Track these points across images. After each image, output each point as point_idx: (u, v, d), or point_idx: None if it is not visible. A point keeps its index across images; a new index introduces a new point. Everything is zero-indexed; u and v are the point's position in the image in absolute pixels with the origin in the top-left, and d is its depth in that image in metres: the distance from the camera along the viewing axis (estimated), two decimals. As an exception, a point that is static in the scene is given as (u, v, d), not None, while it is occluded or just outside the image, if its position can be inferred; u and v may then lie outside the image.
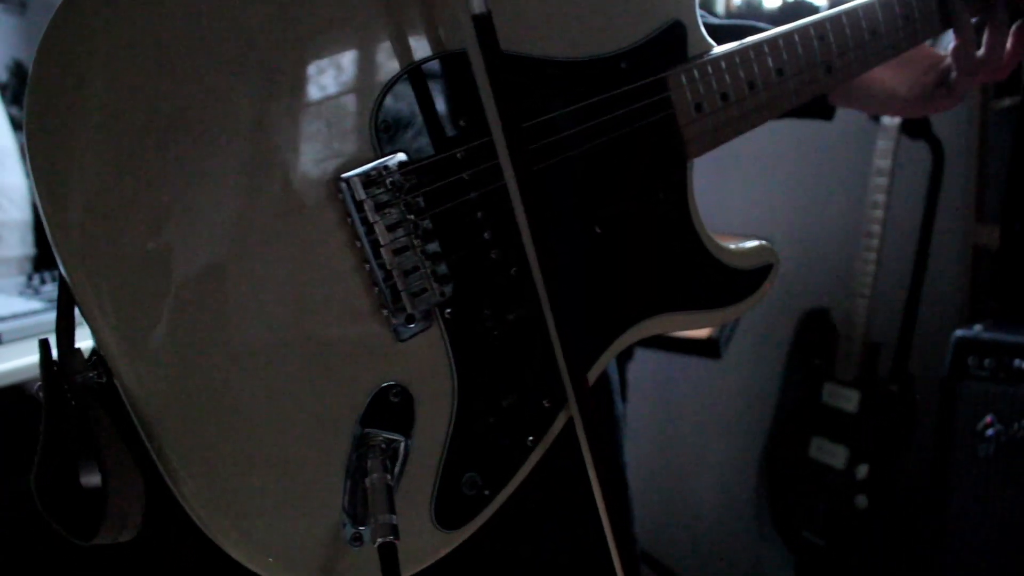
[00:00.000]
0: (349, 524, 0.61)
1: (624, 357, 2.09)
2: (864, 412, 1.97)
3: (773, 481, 2.15)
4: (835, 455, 2.00)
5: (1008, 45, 0.91)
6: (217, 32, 0.56)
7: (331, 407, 0.60)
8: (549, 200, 0.69)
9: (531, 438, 0.69)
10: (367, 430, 0.61)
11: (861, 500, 1.93)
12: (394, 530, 0.58)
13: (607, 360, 0.74)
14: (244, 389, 0.57)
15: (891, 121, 1.96)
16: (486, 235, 0.66)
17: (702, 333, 1.92)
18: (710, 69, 0.77)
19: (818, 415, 2.03)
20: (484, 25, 0.58)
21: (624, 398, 2.06)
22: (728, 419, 2.35)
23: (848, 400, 2.00)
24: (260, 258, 0.58)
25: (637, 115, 0.73)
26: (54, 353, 0.55)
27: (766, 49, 0.81)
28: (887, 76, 0.98)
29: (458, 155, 0.64)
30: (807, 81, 0.84)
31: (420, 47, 0.63)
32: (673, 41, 0.76)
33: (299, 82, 0.59)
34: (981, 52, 0.93)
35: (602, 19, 0.72)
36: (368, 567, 0.61)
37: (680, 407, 2.41)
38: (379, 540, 0.58)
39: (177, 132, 0.55)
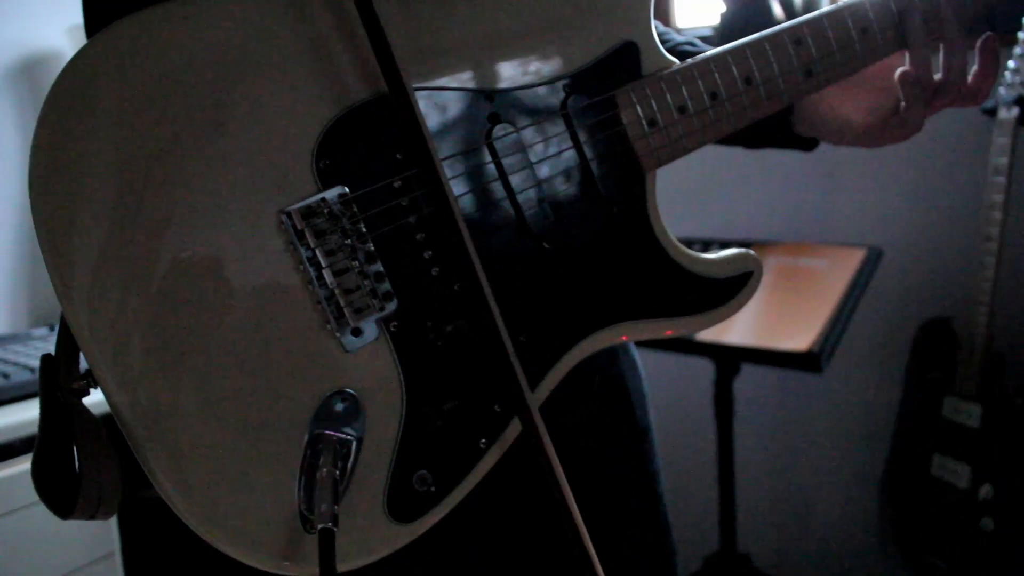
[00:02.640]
0: (304, 514, 0.69)
1: (730, 372, 2.07)
2: (987, 428, 1.84)
3: (894, 500, 2.04)
4: (957, 474, 1.87)
5: (976, 66, 0.86)
6: (177, 92, 0.67)
7: (286, 411, 0.69)
8: (490, 220, 0.75)
9: (484, 440, 0.74)
10: (319, 431, 0.69)
11: (987, 522, 1.80)
12: (334, 519, 0.66)
13: (566, 367, 0.78)
14: (207, 397, 0.66)
15: (1008, 115, 1.84)
16: (426, 255, 0.72)
17: (801, 346, 1.87)
18: (664, 85, 0.80)
19: (939, 431, 1.92)
20: (393, 72, 0.65)
21: (731, 412, 2.04)
22: (848, 434, 2.25)
23: (970, 415, 1.88)
24: (221, 281, 0.67)
25: (582, 134, 0.78)
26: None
27: (730, 59, 0.83)
28: (843, 103, 0.93)
29: (395, 184, 0.71)
30: (785, 87, 0.85)
31: (355, 89, 0.70)
32: (624, 61, 0.80)
33: (245, 127, 0.68)
34: (939, 75, 0.88)
35: (547, 48, 0.78)
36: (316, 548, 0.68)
37: (797, 422, 2.34)
38: (319, 526, 0.66)
39: (149, 180, 0.66)
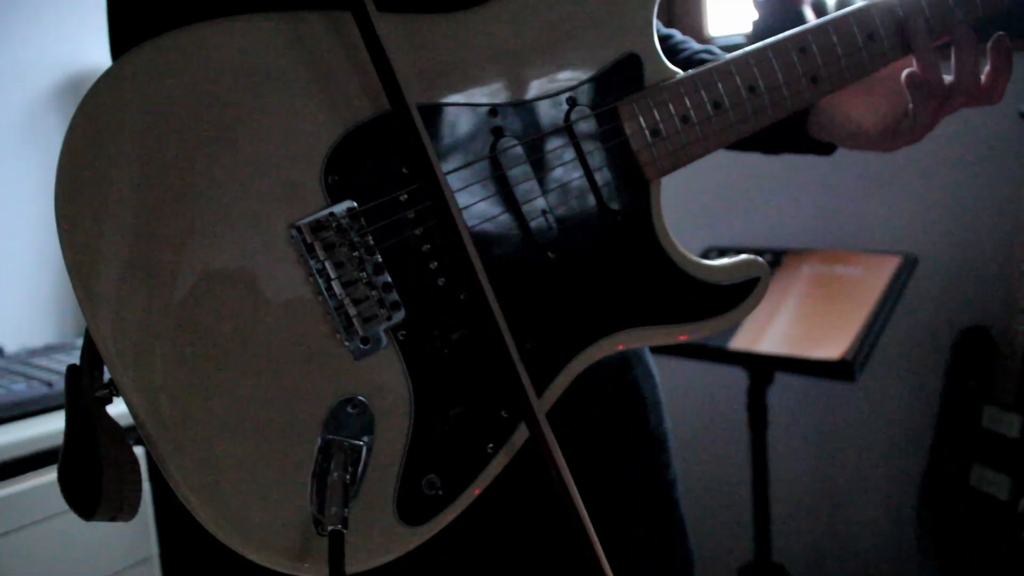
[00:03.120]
0: (317, 517, 0.71)
1: (764, 381, 2.06)
2: (1027, 437, 1.80)
3: (932, 511, 2.00)
4: (997, 485, 1.84)
5: (988, 66, 0.86)
6: (192, 113, 0.70)
7: (298, 418, 0.71)
8: (496, 231, 0.77)
9: (491, 446, 0.76)
10: (331, 437, 0.72)
11: (1028, 534, 1.76)
12: (344, 521, 0.69)
13: (572, 373, 0.79)
14: (222, 404, 0.70)
15: (1044, 118, 1.81)
16: (432, 265, 0.75)
17: (834, 355, 1.85)
18: (666, 95, 0.82)
19: (978, 441, 1.88)
20: (395, 90, 0.68)
21: (765, 422, 2.03)
22: (885, 444, 2.22)
23: (1010, 425, 1.84)
24: (239, 291, 0.70)
25: (583, 145, 0.80)
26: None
27: (733, 68, 0.84)
28: (855, 106, 0.94)
29: (401, 197, 0.74)
30: (789, 94, 0.86)
31: (361, 107, 0.73)
32: (627, 73, 0.82)
33: (257, 144, 0.71)
34: (951, 77, 0.88)
35: (550, 61, 0.80)
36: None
37: (833, 431, 2.31)
38: (329, 528, 0.68)
39: (166, 197, 0.69)
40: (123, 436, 0.69)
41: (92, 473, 0.67)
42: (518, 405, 0.74)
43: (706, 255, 2.30)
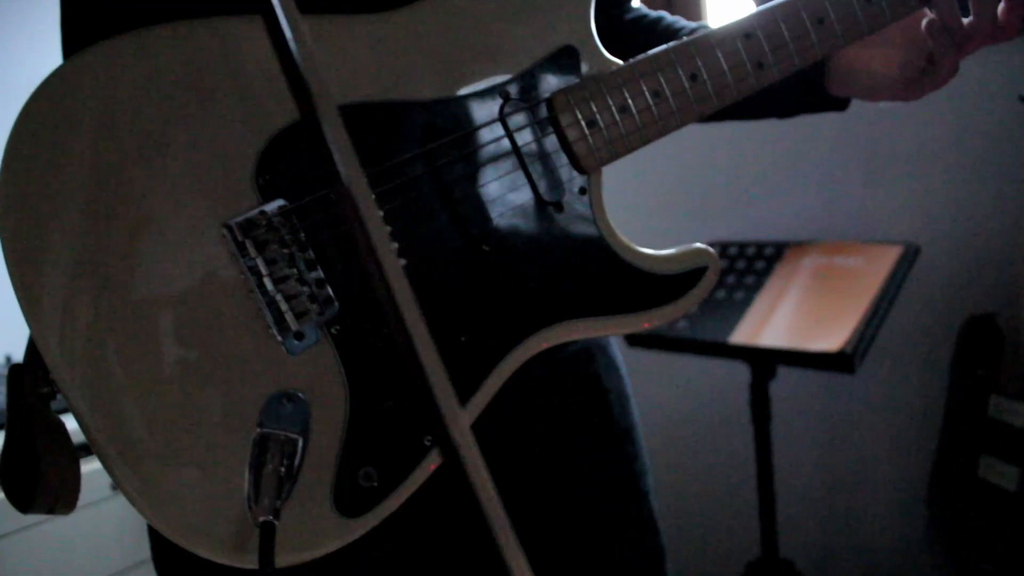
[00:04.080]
0: (252, 508, 0.72)
1: (766, 375, 2.04)
2: (1035, 427, 1.76)
3: (941, 503, 1.96)
4: (1006, 476, 1.80)
5: (1002, 3, 0.86)
6: (129, 118, 0.72)
7: (234, 412, 0.73)
8: (428, 226, 0.77)
9: (428, 439, 0.76)
10: (266, 430, 0.73)
11: (1037, 526, 1.72)
12: (275, 512, 0.70)
13: (513, 365, 0.80)
14: (159, 399, 0.71)
15: (1048, 101, 1.77)
16: (363, 260, 0.75)
17: (832, 347, 1.83)
18: (603, 85, 0.82)
19: (985, 432, 1.84)
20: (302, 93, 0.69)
21: (768, 416, 2.01)
22: (892, 436, 2.19)
23: (1017, 415, 1.80)
24: (177, 291, 0.72)
25: (517, 138, 0.80)
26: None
27: (673, 57, 0.84)
28: (871, 59, 0.95)
29: (332, 195, 0.75)
30: (734, 80, 0.85)
31: (290, 109, 0.74)
32: (563, 65, 0.82)
33: (190, 147, 0.73)
34: (970, 19, 0.88)
35: (483, 55, 0.80)
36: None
37: (839, 424, 2.28)
38: (260, 519, 0.69)
39: (101, 200, 0.71)
40: (63, 433, 0.71)
41: (29, 468, 0.68)
42: (429, 402, 0.74)
43: (709, 250, 2.29)
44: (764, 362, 2.00)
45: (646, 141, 0.84)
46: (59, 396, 0.72)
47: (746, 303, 2.07)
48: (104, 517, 1.45)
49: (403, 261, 0.76)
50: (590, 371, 1.03)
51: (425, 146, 0.78)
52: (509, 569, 0.74)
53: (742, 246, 2.24)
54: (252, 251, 0.73)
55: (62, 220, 0.70)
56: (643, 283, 0.83)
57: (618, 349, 1.11)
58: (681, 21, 1.04)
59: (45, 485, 0.68)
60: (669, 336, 2.11)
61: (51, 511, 0.69)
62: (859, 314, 1.86)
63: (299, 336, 0.74)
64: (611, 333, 0.84)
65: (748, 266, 2.17)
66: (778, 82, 0.96)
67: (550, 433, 0.99)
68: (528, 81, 0.81)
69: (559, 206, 0.82)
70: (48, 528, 1.45)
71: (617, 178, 2.64)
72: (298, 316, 0.74)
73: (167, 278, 0.72)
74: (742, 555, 2.15)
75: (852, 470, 2.28)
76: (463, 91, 0.80)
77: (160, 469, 0.71)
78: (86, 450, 0.72)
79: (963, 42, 0.89)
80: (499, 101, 0.80)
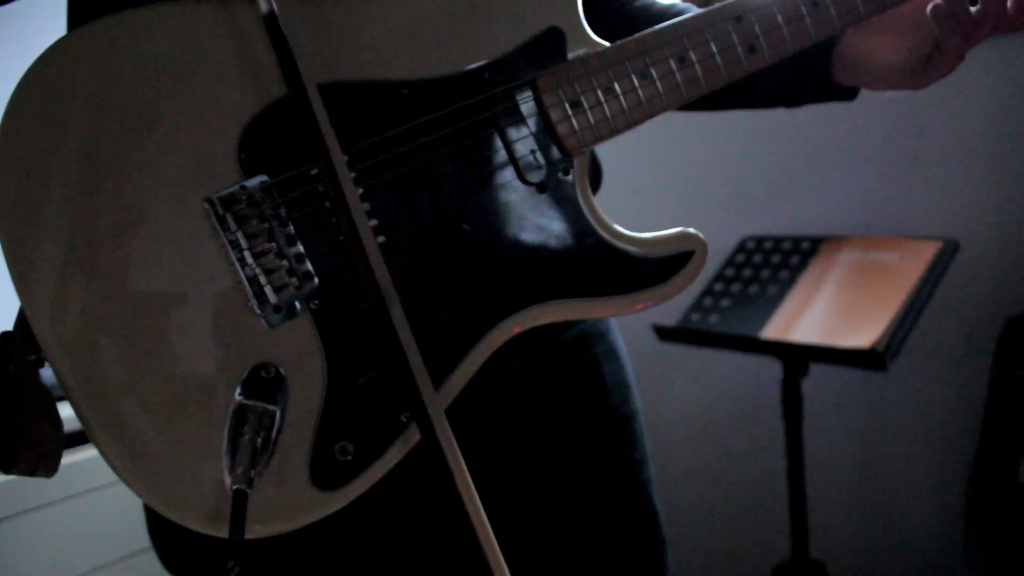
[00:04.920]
0: (228, 478, 0.74)
1: (798, 372, 2.00)
2: (1076, 429, 1.69)
3: (980, 507, 1.90)
4: (1045, 480, 1.73)
5: None
6: (117, 97, 0.74)
7: (214, 383, 0.75)
8: (408, 204, 0.78)
9: (405, 415, 0.77)
10: (245, 401, 0.75)
11: (1076, 532, 1.65)
12: (248, 482, 0.72)
13: (492, 345, 0.80)
14: (141, 369, 0.73)
15: (1095, 93, 1.70)
16: (342, 237, 0.77)
17: (864, 343, 1.79)
18: (588, 67, 0.82)
19: (1025, 434, 1.78)
20: (289, 64, 0.70)
21: (800, 414, 1.97)
22: (930, 437, 2.12)
23: (1058, 416, 1.73)
24: (161, 263, 0.74)
25: (501, 117, 0.80)
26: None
27: (660, 39, 0.83)
28: (878, 47, 0.93)
29: (312, 171, 0.76)
30: (724, 63, 0.84)
31: (272, 86, 0.76)
32: (548, 46, 0.82)
33: (174, 124, 0.75)
34: (977, 7, 0.86)
35: (468, 36, 0.81)
36: (249, 511, 0.74)
37: (875, 424, 2.22)
38: (233, 487, 0.71)
39: (91, 175, 0.74)
40: (50, 399, 0.74)
41: (11, 430, 0.71)
42: (408, 391, 0.74)
43: (743, 245, 2.25)
44: (795, 358, 1.96)
45: (632, 124, 0.83)
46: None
47: (779, 298, 2.04)
48: (112, 503, 1.50)
49: (382, 238, 0.77)
50: (588, 357, 1.03)
51: (407, 125, 0.78)
52: (481, 547, 0.76)
53: (777, 240, 2.20)
54: (233, 225, 0.75)
55: (53, 193, 0.73)
56: (628, 265, 0.83)
57: (620, 337, 1.11)
58: (680, 5, 1.03)
59: (27, 447, 0.71)
60: (700, 330, 2.09)
61: (33, 472, 0.72)
62: (893, 310, 1.81)
63: (278, 309, 0.76)
64: (597, 315, 0.84)
65: (783, 261, 2.14)
66: (783, 70, 0.95)
67: (546, 416, 0.99)
68: (513, 62, 0.81)
69: (542, 187, 0.82)
70: (56, 512, 1.50)
71: (654, 171, 2.63)
72: (277, 290, 0.75)
73: (152, 251, 0.74)
74: (772, 556, 2.11)
75: (887, 472, 2.22)
76: (447, 71, 0.80)
77: (141, 438, 0.73)
78: (83, 438, 0.75)
79: (970, 30, 0.86)
80: (483, 81, 0.80)
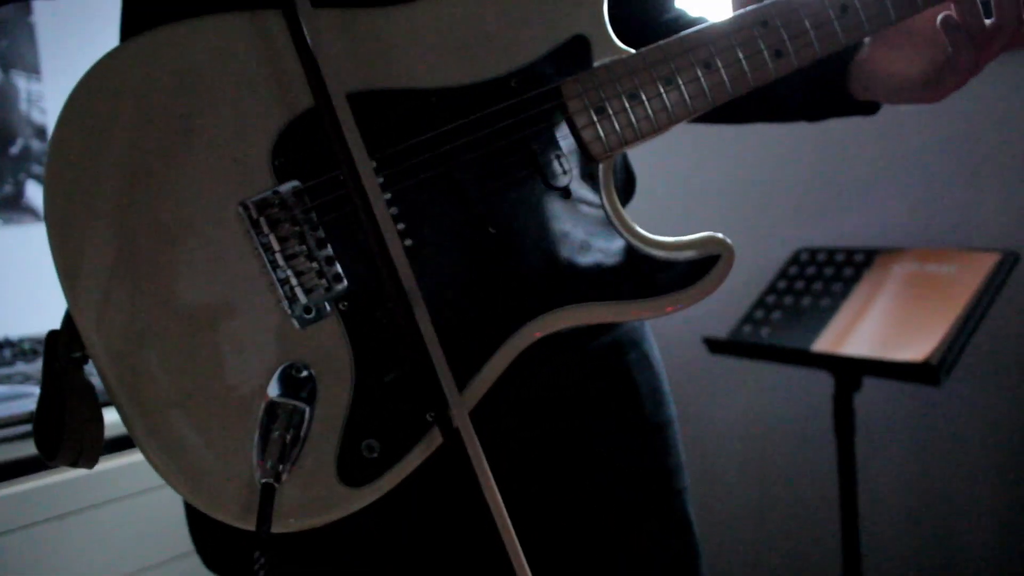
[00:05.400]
0: (257, 472, 0.77)
1: (850, 386, 1.96)
2: None
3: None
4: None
5: None
6: (160, 107, 0.78)
7: (247, 381, 0.77)
8: (434, 209, 0.80)
9: (431, 415, 0.79)
10: (276, 399, 0.78)
11: None
12: (277, 476, 0.74)
13: (516, 348, 0.81)
14: (178, 367, 0.77)
15: None
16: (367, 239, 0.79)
17: (917, 357, 1.75)
18: (613, 73, 0.83)
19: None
20: (314, 71, 0.73)
21: (852, 430, 1.93)
22: (995, 457, 2.05)
23: (1125, 434, 1.66)
24: (193, 263, 0.78)
25: (527, 123, 0.82)
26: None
27: (686, 45, 0.84)
28: (895, 60, 0.93)
29: (340, 177, 0.79)
30: (750, 68, 0.85)
31: (306, 94, 0.79)
32: (574, 54, 0.83)
33: (212, 132, 0.78)
34: (992, 19, 0.85)
35: (494, 45, 0.83)
36: (277, 505, 0.76)
37: (935, 441, 2.16)
38: (261, 481, 0.74)
39: (136, 182, 0.78)
40: (92, 394, 0.78)
41: (56, 423, 0.75)
42: (433, 391, 0.75)
43: (796, 257, 2.22)
44: (847, 372, 1.93)
45: (658, 129, 0.84)
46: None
47: (831, 311, 2.01)
48: (156, 506, 1.55)
49: (409, 241, 0.79)
50: (620, 364, 1.04)
51: (434, 131, 0.81)
52: (505, 550, 0.77)
53: (831, 252, 2.17)
54: (266, 229, 0.78)
55: (100, 200, 0.77)
56: (653, 269, 0.83)
57: (655, 346, 1.11)
58: (709, 21, 1.04)
59: (69, 439, 0.75)
60: (751, 343, 2.07)
61: (74, 464, 0.76)
62: (948, 324, 1.77)
63: (308, 310, 0.78)
64: (623, 319, 0.85)
65: (836, 273, 2.10)
66: (800, 85, 0.95)
67: (576, 422, 1.00)
68: (539, 70, 0.83)
69: (567, 192, 0.83)
70: (110, 510, 1.56)
71: (710, 182, 2.62)
72: (307, 291, 0.78)
73: (190, 255, 0.78)
74: (823, 574, 2.07)
75: (945, 493, 2.16)
76: (474, 79, 0.82)
77: (178, 434, 0.77)
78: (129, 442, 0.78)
79: (984, 42, 0.85)
80: (509, 89, 0.82)
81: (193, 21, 0.79)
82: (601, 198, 0.84)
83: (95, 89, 0.78)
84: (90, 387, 0.78)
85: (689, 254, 0.84)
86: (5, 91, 2.39)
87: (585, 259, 0.83)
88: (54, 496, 1.53)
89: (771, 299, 2.15)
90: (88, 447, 0.76)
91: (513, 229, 0.82)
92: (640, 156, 2.58)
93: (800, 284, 2.15)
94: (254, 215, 0.78)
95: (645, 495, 1.04)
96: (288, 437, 0.76)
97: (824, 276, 2.12)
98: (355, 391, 0.79)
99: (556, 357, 0.98)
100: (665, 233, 0.84)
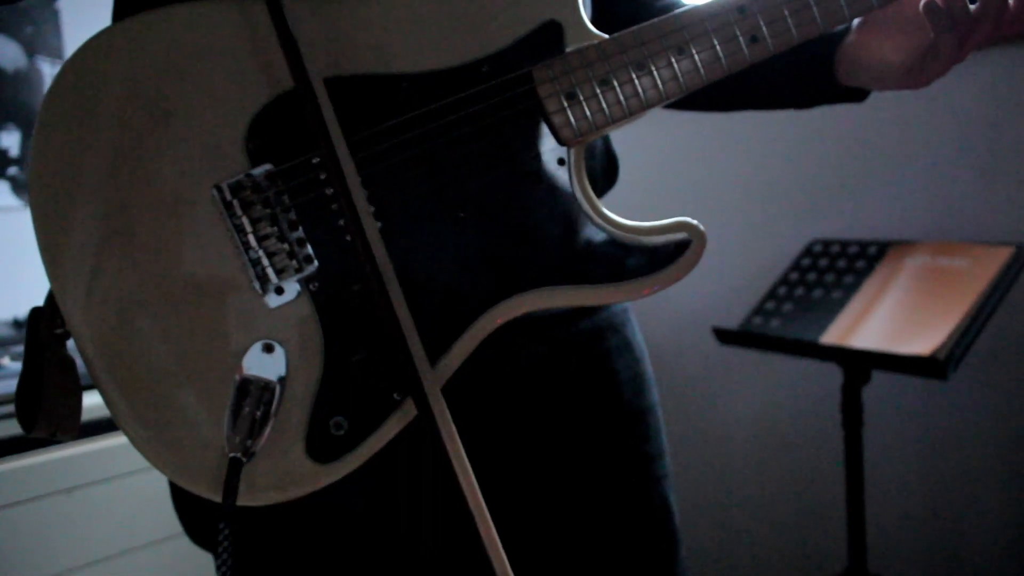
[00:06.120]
0: (227, 447, 0.79)
1: (859, 379, 1.95)
2: None
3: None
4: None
5: None
6: (137, 92, 0.80)
7: (219, 358, 0.80)
8: (405, 192, 0.81)
9: (396, 394, 0.81)
10: (248, 376, 0.80)
11: None
12: (244, 451, 0.77)
13: (482, 330, 0.82)
14: (154, 344, 0.79)
15: None
16: (340, 222, 0.81)
17: (923, 350, 1.73)
18: (585, 59, 0.83)
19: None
20: (295, 53, 0.75)
21: (860, 422, 1.92)
22: (1005, 453, 2.02)
23: None
24: (170, 243, 0.80)
25: (497, 108, 0.82)
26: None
27: (659, 29, 0.84)
28: (880, 46, 0.93)
29: (314, 160, 0.80)
30: (724, 54, 0.85)
31: (279, 79, 0.80)
32: (546, 39, 0.84)
33: (189, 115, 0.80)
34: (976, 4, 0.84)
35: (466, 30, 0.83)
36: (246, 479, 0.79)
37: (945, 436, 2.13)
38: (229, 455, 0.76)
39: (116, 161, 0.80)
40: (72, 369, 0.80)
41: (36, 395, 0.78)
42: (405, 367, 0.77)
43: (810, 248, 2.20)
44: (855, 364, 1.92)
45: (630, 114, 0.84)
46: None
47: (842, 303, 1.99)
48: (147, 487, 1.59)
49: (379, 224, 0.81)
50: (599, 351, 1.04)
51: (406, 116, 0.82)
52: (476, 524, 0.78)
53: (844, 244, 2.15)
54: (238, 210, 0.80)
55: (82, 182, 0.80)
56: (621, 254, 0.84)
57: (638, 332, 1.11)
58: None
59: (47, 411, 0.77)
60: (760, 334, 2.06)
61: (52, 435, 0.78)
62: (957, 318, 1.75)
63: (279, 291, 0.80)
64: (592, 302, 0.85)
65: (849, 265, 2.09)
66: (787, 72, 0.95)
67: (553, 408, 1.01)
68: (511, 55, 0.83)
69: (538, 177, 0.84)
70: (110, 487, 1.60)
71: (724, 173, 2.61)
72: (279, 272, 0.80)
73: (166, 236, 0.80)
74: (829, 566, 2.06)
75: (956, 487, 2.13)
76: (446, 64, 0.83)
77: (153, 408, 0.79)
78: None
79: (967, 28, 0.84)
80: (481, 74, 0.83)
81: (175, 7, 0.81)
82: (572, 183, 0.84)
83: (80, 71, 0.80)
84: (70, 362, 0.81)
85: (660, 239, 0.84)
86: (30, 76, 2.45)
87: (555, 243, 0.83)
88: (63, 470, 1.58)
89: (783, 290, 2.14)
90: (65, 420, 0.79)
91: (483, 213, 0.83)
92: (657, 147, 2.59)
93: (812, 276, 2.13)
94: (227, 197, 0.80)
95: (622, 481, 1.04)
96: (258, 413, 0.79)
97: (836, 268, 2.10)
98: (324, 369, 0.80)
99: (533, 342, 0.98)
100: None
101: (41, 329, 0.80)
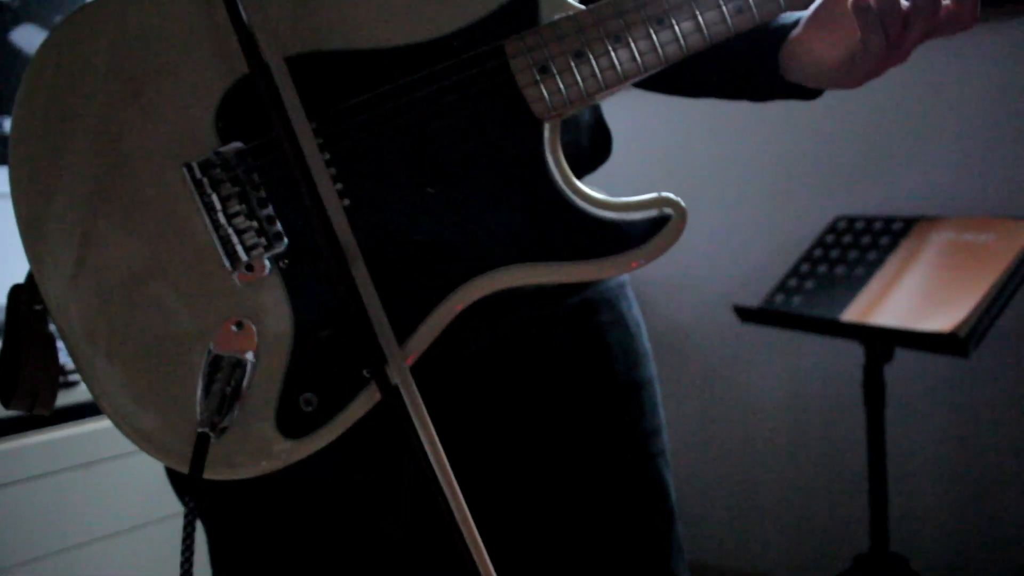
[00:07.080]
0: (198, 423, 0.80)
1: (881, 357, 1.91)
2: None
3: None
4: None
5: None
6: (110, 72, 0.81)
7: (191, 335, 0.81)
8: (374, 167, 0.81)
9: (367, 371, 0.80)
10: (219, 352, 0.80)
11: None
12: (213, 425, 0.78)
13: (453, 307, 0.81)
14: (127, 320, 0.80)
15: None
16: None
17: (944, 327, 1.68)
18: (559, 31, 0.81)
19: None
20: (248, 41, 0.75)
21: (882, 401, 1.88)
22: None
23: None
24: (144, 222, 0.81)
25: (469, 82, 0.81)
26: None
27: (640, 0, 0.82)
28: (817, 41, 0.89)
29: (275, 137, 0.80)
30: (706, 24, 0.82)
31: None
32: (520, 12, 0.82)
33: (159, 95, 0.81)
34: (907, 2, 0.79)
35: (437, 6, 0.82)
36: (220, 453, 0.79)
37: (970, 414, 2.08)
38: (198, 430, 0.77)
39: (85, 140, 0.81)
40: (51, 345, 0.82)
41: (14, 370, 0.80)
42: (369, 344, 0.77)
43: (834, 225, 2.15)
44: (876, 342, 1.87)
45: (605, 87, 0.82)
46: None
47: (864, 280, 1.95)
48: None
49: (347, 201, 0.80)
50: (590, 325, 1.03)
51: (374, 92, 0.81)
52: (447, 499, 0.78)
53: (869, 220, 2.10)
54: (208, 189, 0.80)
55: (61, 165, 0.81)
56: (598, 230, 0.82)
57: (634, 306, 1.09)
58: None
59: (24, 385, 0.79)
60: (781, 312, 2.02)
61: (30, 409, 0.80)
62: (979, 294, 1.70)
63: (250, 268, 0.80)
64: (566, 280, 0.83)
65: (873, 241, 2.04)
66: (735, 67, 0.94)
67: (538, 386, 1.00)
68: (483, 29, 0.82)
69: (509, 152, 0.82)
70: (108, 466, 1.64)
71: (749, 151, 2.56)
72: (248, 249, 0.80)
73: (138, 214, 0.81)
74: (853, 545, 2.03)
75: (980, 468, 2.08)
76: (418, 39, 0.82)
77: (129, 385, 0.81)
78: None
79: (897, 26, 0.79)
80: (451, 48, 0.82)
81: None
82: (546, 158, 0.83)
83: (55, 48, 0.81)
84: (50, 338, 0.82)
85: (638, 215, 0.82)
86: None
87: (527, 220, 0.82)
88: (80, 445, 1.62)
89: (805, 268, 2.09)
90: (42, 394, 0.80)
91: (454, 189, 0.82)
92: (680, 124, 2.54)
93: (836, 252, 2.09)
94: (197, 175, 0.80)
95: (616, 457, 1.03)
96: (229, 389, 0.79)
97: (860, 245, 2.05)
98: (294, 346, 0.81)
99: (520, 318, 0.98)
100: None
101: (21, 306, 0.81)
